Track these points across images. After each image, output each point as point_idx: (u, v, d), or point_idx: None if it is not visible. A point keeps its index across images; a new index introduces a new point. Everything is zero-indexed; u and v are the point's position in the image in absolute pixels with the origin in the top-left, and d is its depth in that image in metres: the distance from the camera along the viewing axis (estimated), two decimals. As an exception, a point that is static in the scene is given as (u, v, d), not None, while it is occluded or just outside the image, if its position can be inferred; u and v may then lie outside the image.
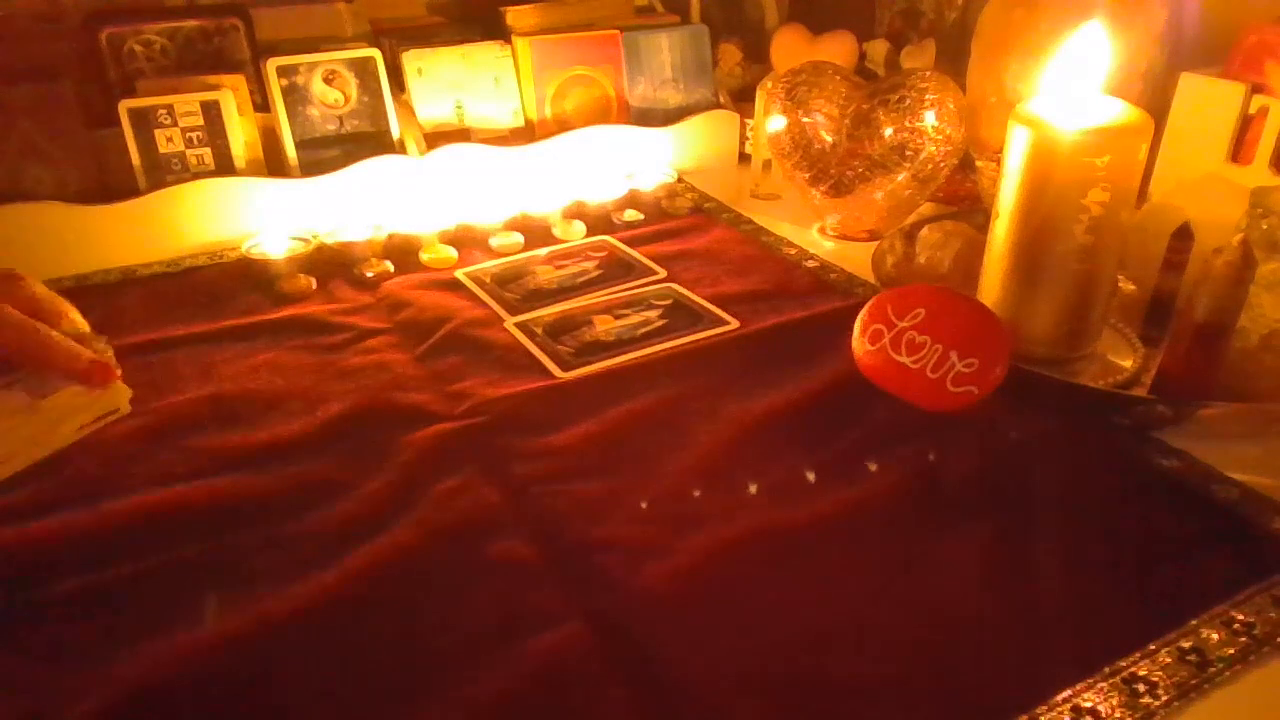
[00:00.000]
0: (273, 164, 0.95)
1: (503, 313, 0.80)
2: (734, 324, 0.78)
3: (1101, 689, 0.45)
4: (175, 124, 0.90)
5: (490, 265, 0.89)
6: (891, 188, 0.91)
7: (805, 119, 0.94)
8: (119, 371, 0.56)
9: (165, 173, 0.90)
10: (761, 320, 0.78)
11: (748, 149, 1.12)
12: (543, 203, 0.96)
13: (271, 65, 0.93)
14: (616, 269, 0.88)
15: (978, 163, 0.98)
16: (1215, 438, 0.63)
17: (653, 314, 0.80)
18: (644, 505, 0.57)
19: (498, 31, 1.06)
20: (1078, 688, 0.45)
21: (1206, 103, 0.76)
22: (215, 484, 0.59)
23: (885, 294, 0.66)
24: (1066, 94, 0.65)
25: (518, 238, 0.93)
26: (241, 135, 0.92)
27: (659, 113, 1.12)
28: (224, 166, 0.92)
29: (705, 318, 0.79)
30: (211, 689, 0.45)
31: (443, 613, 0.49)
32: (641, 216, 0.99)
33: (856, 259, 0.88)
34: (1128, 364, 0.71)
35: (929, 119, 0.88)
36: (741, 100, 1.15)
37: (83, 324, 0.58)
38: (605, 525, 0.55)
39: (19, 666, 0.46)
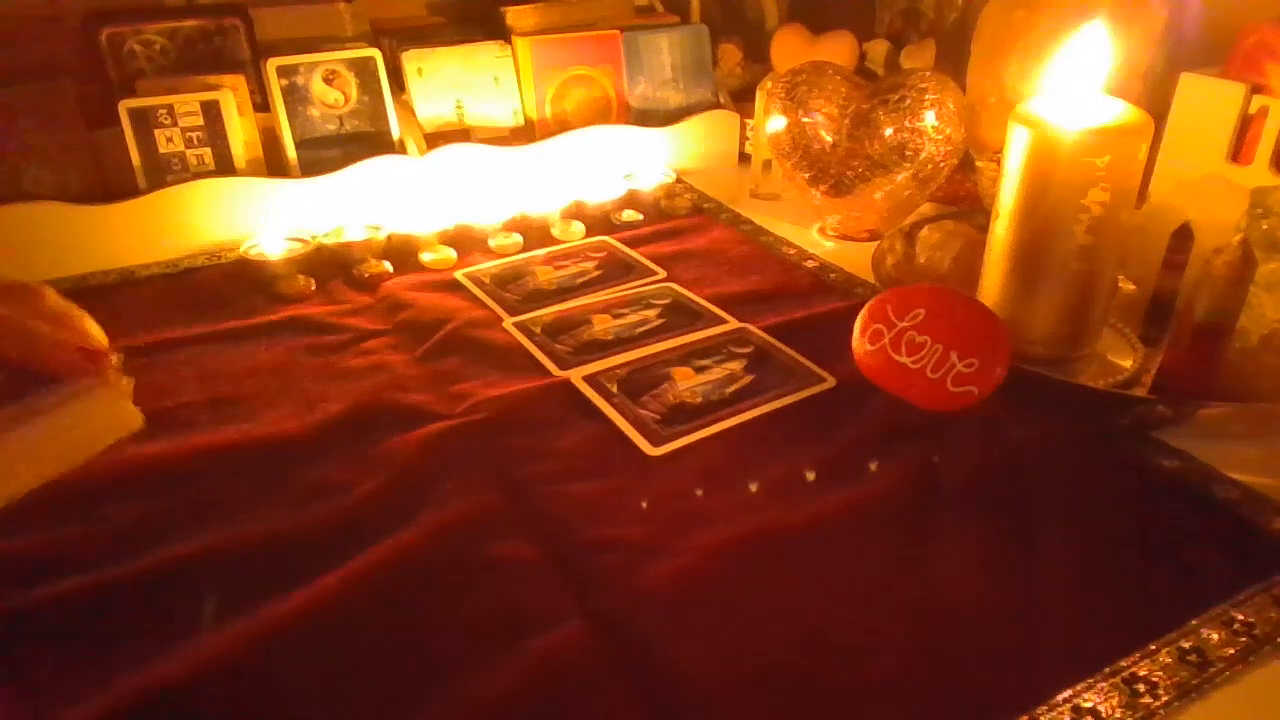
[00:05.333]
0: (273, 164, 0.95)
1: (502, 313, 0.80)
2: (732, 324, 0.78)
3: (1101, 689, 0.45)
4: (175, 124, 0.90)
5: (489, 266, 0.89)
6: (891, 188, 0.91)
7: (805, 119, 0.94)
8: (114, 359, 0.56)
9: (165, 173, 0.90)
10: (761, 320, 0.78)
11: (748, 149, 1.12)
12: (542, 203, 0.96)
13: (271, 65, 0.93)
14: (616, 269, 0.88)
15: (978, 163, 0.98)
16: (1215, 438, 0.63)
17: (651, 313, 0.80)
18: (644, 505, 0.57)
19: (498, 31, 1.06)
20: (1078, 688, 0.45)
21: (1206, 103, 0.76)
22: (214, 486, 0.59)
23: (885, 294, 0.66)
24: (1067, 94, 0.65)
25: (517, 238, 0.93)
26: (241, 135, 0.92)
27: (659, 113, 1.12)
28: (224, 166, 0.92)
29: (704, 316, 0.79)
30: (212, 690, 0.45)
31: (443, 612, 0.49)
32: (640, 217, 0.99)
33: (856, 259, 0.88)
34: (1128, 364, 0.70)
35: (929, 119, 0.88)
36: (741, 100, 1.15)
37: (99, 334, 0.58)
38: (605, 525, 0.55)
39: (20, 670, 0.46)
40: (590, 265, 0.89)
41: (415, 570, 0.52)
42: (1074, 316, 0.68)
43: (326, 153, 0.96)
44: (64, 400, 0.56)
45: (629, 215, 0.99)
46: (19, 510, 0.56)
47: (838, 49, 1.07)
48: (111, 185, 0.89)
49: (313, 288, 0.84)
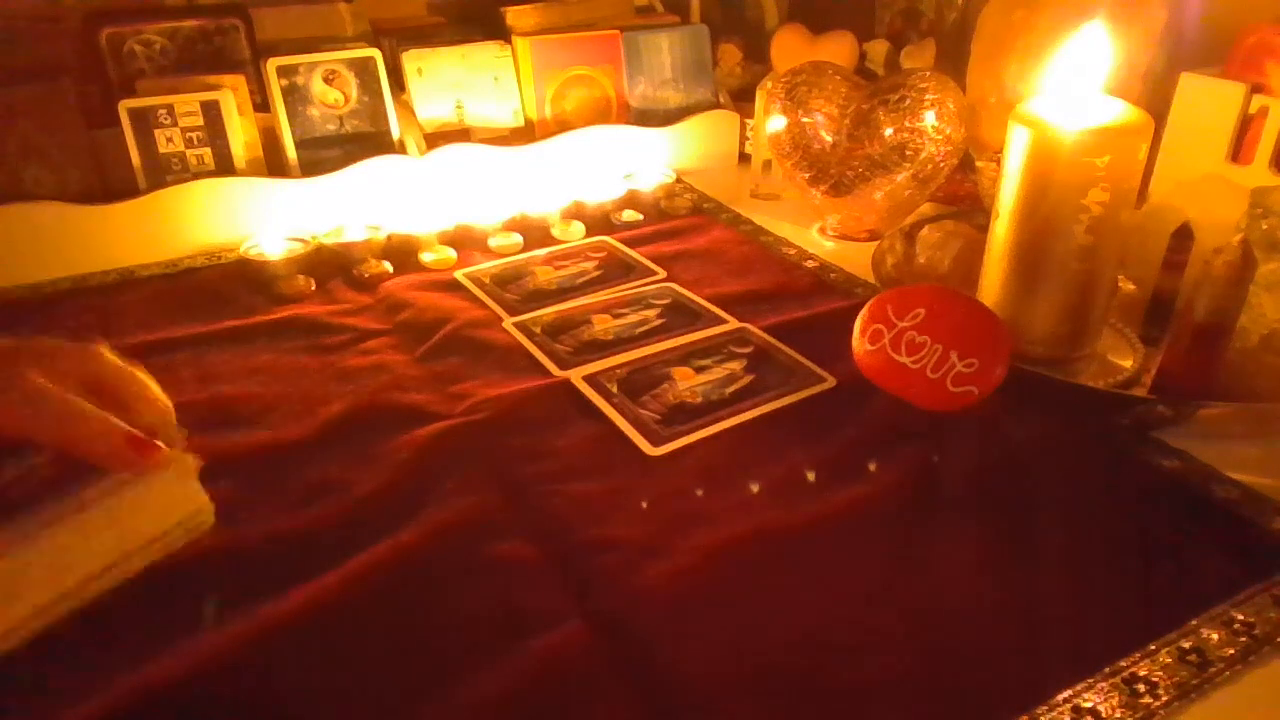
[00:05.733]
0: (273, 164, 0.95)
1: (502, 313, 0.80)
2: (732, 324, 0.78)
3: (1101, 689, 0.45)
4: (175, 124, 0.90)
5: (489, 266, 0.89)
6: (891, 188, 0.91)
7: (805, 119, 0.94)
8: (179, 436, 0.46)
9: (165, 173, 0.90)
10: (762, 320, 0.78)
11: (748, 149, 1.12)
12: (542, 203, 0.96)
13: (271, 65, 0.93)
14: (616, 269, 0.88)
15: (978, 163, 0.98)
16: (1215, 438, 0.63)
17: (651, 313, 0.80)
18: (644, 505, 0.57)
19: (498, 31, 1.06)
20: (1078, 688, 0.45)
21: (1206, 103, 0.76)
22: (214, 487, 0.58)
23: (885, 294, 0.66)
24: (1066, 94, 0.65)
25: (517, 238, 0.93)
26: (241, 135, 0.92)
27: (659, 113, 1.12)
28: (224, 166, 0.92)
29: (704, 316, 0.79)
30: (212, 690, 0.45)
31: (443, 613, 0.49)
32: (640, 217, 0.99)
33: (856, 259, 0.88)
34: (1128, 364, 0.70)
35: (929, 119, 0.88)
36: (741, 100, 1.15)
37: (161, 399, 0.47)
38: (605, 525, 0.55)
39: (20, 670, 0.46)
40: (590, 265, 0.89)
41: (415, 570, 0.52)
42: (1074, 316, 0.68)
43: (326, 153, 0.96)
44: (106, 493, 0.44)
45: (629, 215, 0.99)
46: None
47: (838, 49, 1.07)
48: (111, 185, 0.89)
49: (313, 288, 0.84)
